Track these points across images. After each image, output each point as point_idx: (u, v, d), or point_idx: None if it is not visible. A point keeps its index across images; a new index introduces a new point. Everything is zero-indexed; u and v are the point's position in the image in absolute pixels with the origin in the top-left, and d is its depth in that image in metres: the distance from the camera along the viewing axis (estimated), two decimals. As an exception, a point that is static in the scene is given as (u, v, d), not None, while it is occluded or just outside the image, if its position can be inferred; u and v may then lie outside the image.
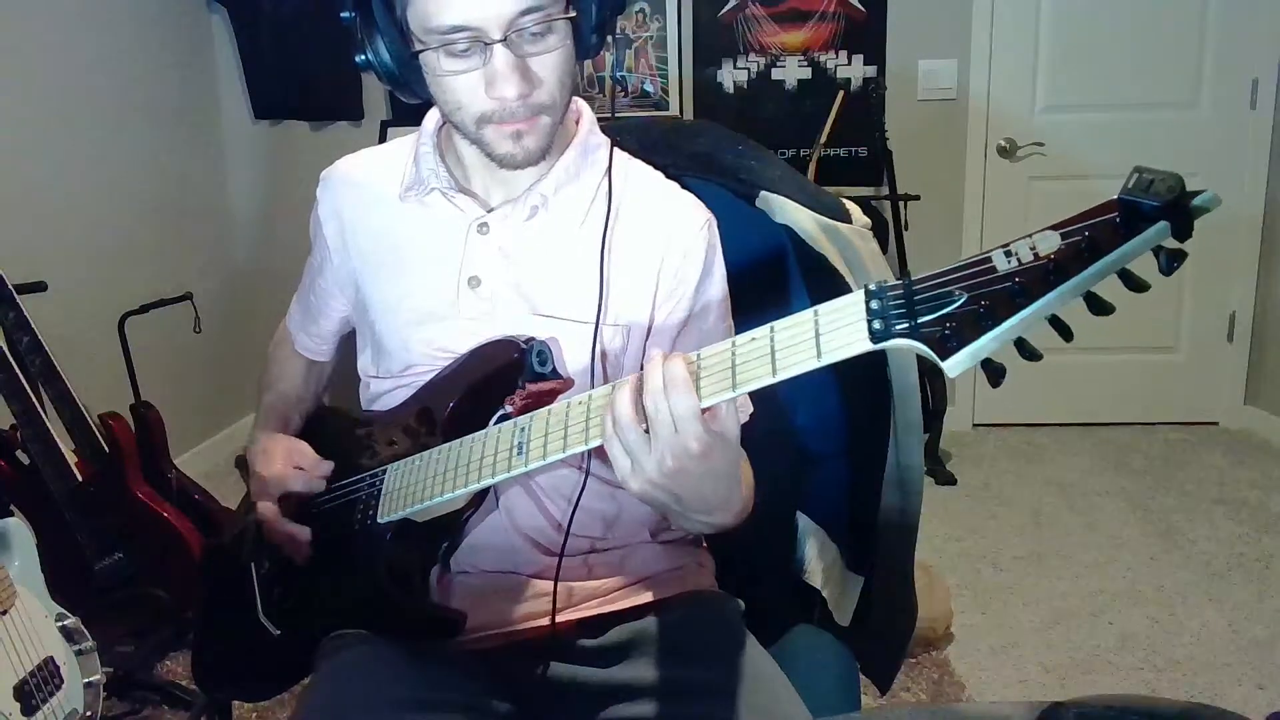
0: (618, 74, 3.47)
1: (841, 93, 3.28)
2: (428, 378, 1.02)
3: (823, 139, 3.19)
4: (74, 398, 2.04)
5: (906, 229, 3.26)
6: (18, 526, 1.52)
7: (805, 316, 0.69)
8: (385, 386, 1.07)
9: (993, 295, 0.61)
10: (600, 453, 0.79)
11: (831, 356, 0.67)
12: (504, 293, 1.00)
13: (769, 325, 0.71)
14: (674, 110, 3.49)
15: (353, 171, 1.09)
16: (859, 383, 1.19)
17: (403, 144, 1.08)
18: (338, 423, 1.14)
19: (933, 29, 3.41)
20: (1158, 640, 2.23)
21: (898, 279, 0.66)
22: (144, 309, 2.70)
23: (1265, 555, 2.61)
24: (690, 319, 1.02)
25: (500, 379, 0.95)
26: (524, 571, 1.04)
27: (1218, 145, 3.36)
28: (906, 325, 0.63)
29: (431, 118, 1.05)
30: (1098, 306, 0.61)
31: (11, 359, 1.91)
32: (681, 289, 1.01)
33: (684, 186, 1.07)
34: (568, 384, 0.95)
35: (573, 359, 0.99)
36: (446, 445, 0.93)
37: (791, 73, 3.47)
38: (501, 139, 0.93)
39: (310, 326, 1.20)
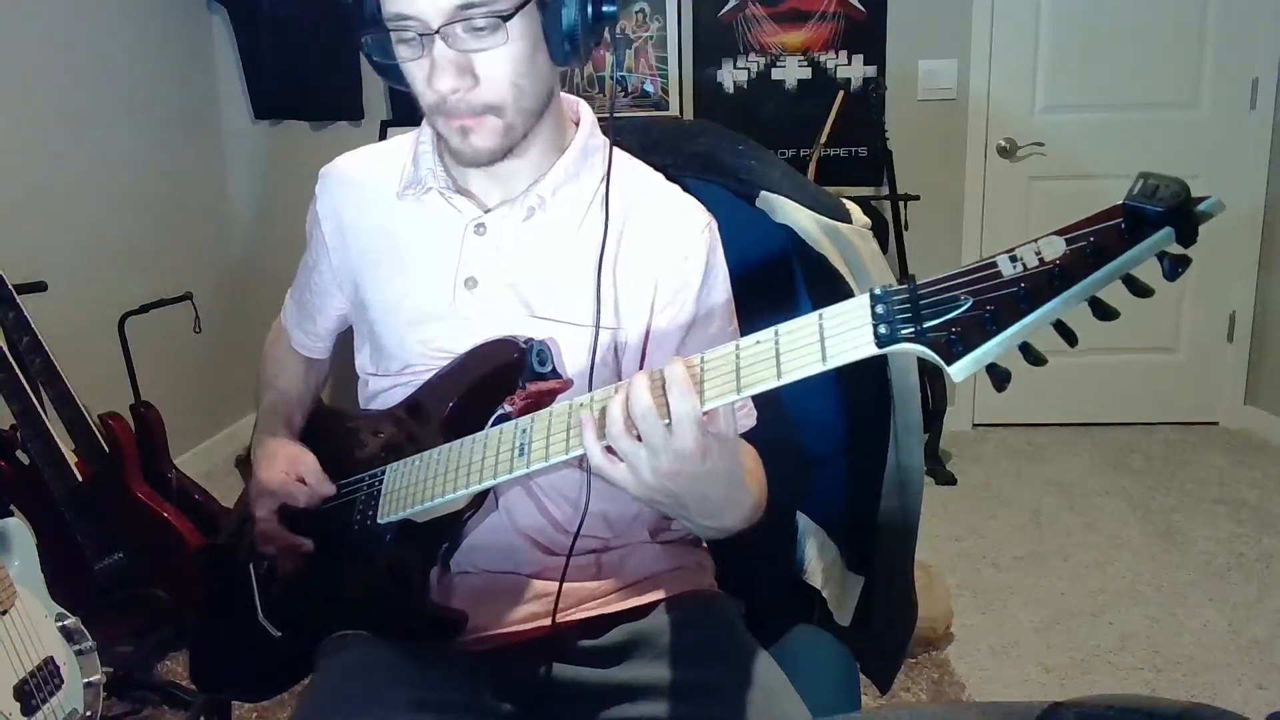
0: (618, 74, 3.47)
1: (841, 93, 3.28)
2: (426, 377, 1.02)
3: (823, 139, 3.19)
4: (74, 398, 2.04)
5: (906, 229, 3.26)
6: (18, 526, 1.52)
7: (810, 320, 0.69)
8: (384, 385, 1.07)
9: (998, 300, 0.61)
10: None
11: (837, 360, 0.67)
12: (501, 294, 1.00)
13: (773, 329, 0.71)
14: (674, 110, 3.49)
15: (351, 169, 1.09)
16: (859, 383, 1.19)
17: (402, 142, 1.07)
18: (337, 423, 1.14)
19: (933, 29, 3.41)
20: (1158, 640, 2.23)
21: (898, 279, 0.66)
22: (144, 309, 2.70)
23: (1265, 555, 2.61)
24: (695, 323, 1.01)
25: (500, 379, 0.95)
26: (524, 572, 1.04)
27: (1218, 145, 3.36)
28: (912, 330, 0.63)
29: None
30: (1102, 312, 0.61)
31: (11, 359, 1.91)
32: (684, 293, 1.00)
33: (684, 187, 1.06)
34: (567, 384, 0.95)
35: (570, 362, 0.99)
36: (447, 445, 0.93)
37: (791, 73, 3.47)
38: (451, 133, 0.93)
39: (306, 324, 1.19)
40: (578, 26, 0.90)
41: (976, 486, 3.14)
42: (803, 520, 1.28)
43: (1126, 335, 3.49)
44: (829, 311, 0.68)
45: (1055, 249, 0.61)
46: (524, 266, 1.00)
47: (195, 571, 1.91)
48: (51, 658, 1.48)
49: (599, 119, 1.07)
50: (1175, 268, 0.60)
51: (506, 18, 0.87)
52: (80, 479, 1.99)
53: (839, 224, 1.14)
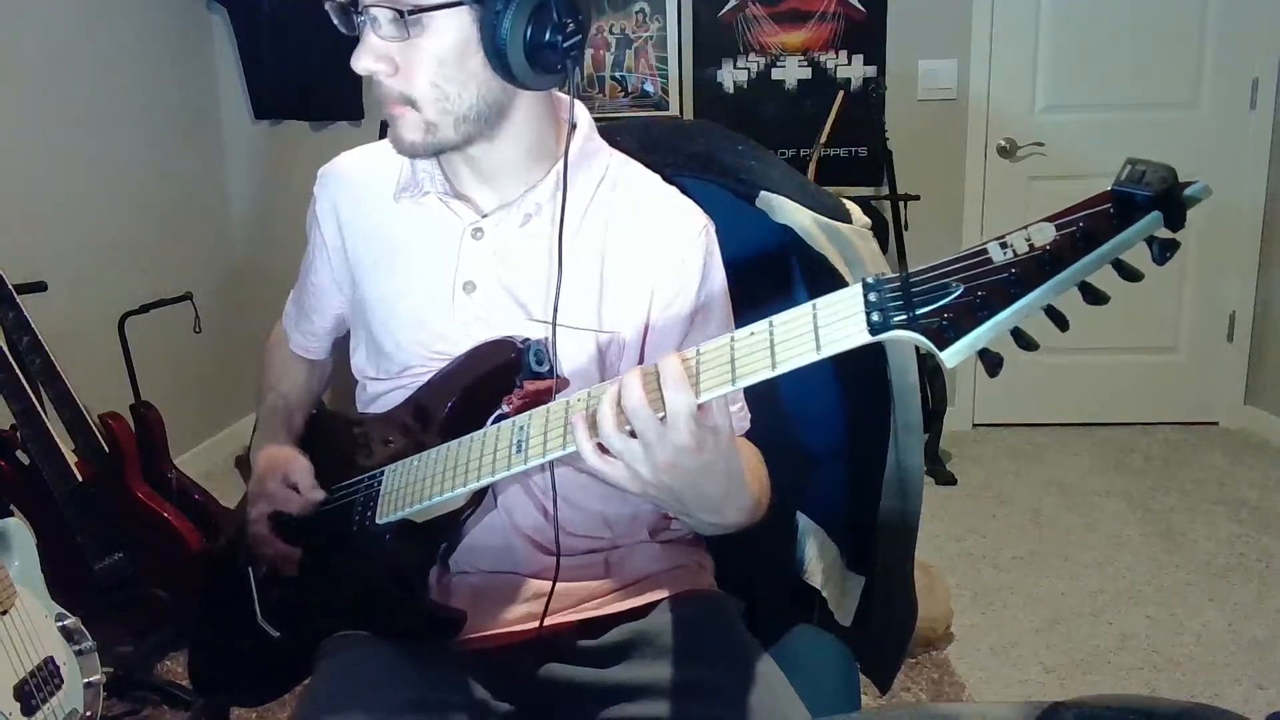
0: (617, 74, 3.47)
1: (841, 93, 3.28)
2: (424, 379, 1.02)
3: (823, 139, 3.19)
4: (74, 398, 2.04)
5: (906, 229, 3.26)
6: (18, 526, 1.52)
7: (804, 310, 0.69)
8: (382, 388, 1.07)
9: (989, 286, 0.62)
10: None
11: (831, 349, 0.67)
12: (498, 298, 1.00)
13: (767, 320, 0.71)
14: (674, 110, 3.49)
15: (350, 169, 1.09)
16: (859, 383, 1.19)
17: None
18: (337, 426, 1.14)
19: (933, 29, 3.41)
20: (1158, 640, 2.23)
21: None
22: (144, 309, 2.70)
23: (1265, 555, 2.61)
24: (693, 325, 1.01)
25: (498, 378, 0.95)
26: (523, 571, 1.04)
27: (1218, 145, 3.36)
28: (904, 317, 0.64)
29: None
30: (1093, 296, 0.62)
31: (11, 359, 1.91)
32: (681, 296, 1.00)
33: (683, 187, 1.06)
34: (564, 383, 0.95)
35: (568, 365, 0.99)
36: (445, 445, 0.93)
37: (791, 73, 3.47)
38: (388, 119, 0.94)
39: (304, 325, 1.19)
40: (506, 44, 0.87)
41: (976, 486, 3.14)
42: (803, 520, 1.28)
43: (1126, 335, 3.50)
44: (822, 301, 0.69)
45: (1045, 235, 0.62)
46: (521, 271, 1.00)
47: (195, 576, 1.91)
48: (51, 658, 1.48)
49: (598, 119, 1.07)
50: (1164, 252, 0.60)
51: (406, 12, 0.87)
52: (80, 479, 1.99)
53: (839, 224, 1.14)
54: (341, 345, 1.20)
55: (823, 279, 1.13)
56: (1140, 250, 0.61)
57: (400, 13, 0.87)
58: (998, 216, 3.50)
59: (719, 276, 1.04)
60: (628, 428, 0.75)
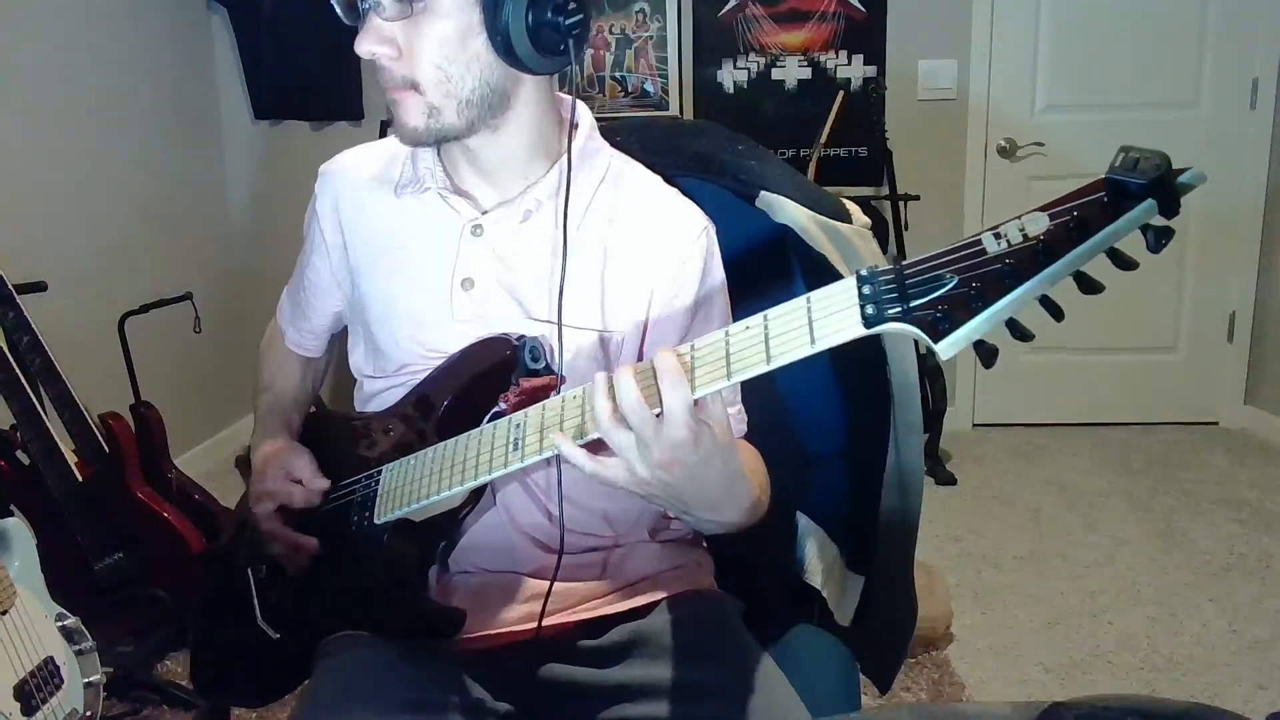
0: (617, 74, 3.47)
1: (841, 93, 3.28)
2: (421, 377, 1.02)
3: (823, 139, 3.19)
4: (74, 398, 2.04)
5: (906, 229, 3.26)
6: (18, 526, 1.52)
7: (798, 304, 0.69)
8: (379, 386, 1.07)
9: (983, 277, 0.62)
10: (592, 446, 0.79)
11: (825, 342, 0.67)
12: (497, 296, 1.00)
13: (762, 314, 0.71)
14: (674, 110, 3.49)
15: (351, 166, 1.09)
16: (859, 383, 1.19)
17: None
18: (333, 424, 1.14)
19: (933, 29, 3.41)
20: (1158, 640, 2.23)
21: None
22: (144, 309, 2.69)
23: (1265, 555, 2.61)
24: (691, 326, 1.01)
25: (494, 376, 0.95)
26: (523, 570, 1.04)
27: (1218, 145, 3.36)
28: (899, 309, 0.64)
29: None
30: (1088, 286, 0.62)
31: (11, 359, 1.91)
32: (680, 298, 1.00)
33: (684, 188, 1.06)
34: (560, 380, 0.95)
35: (566, 363, 0.99)
36: (442, 444, 0.93)
37: (791, 73, 3.47)
38: (391, 106, 0.94)
39: (301, 322, 1.19)
40: (510, 24, 0.88)
41: (976, 486, 3.14)
42: (803, 520, 1.28)
43: (1126, 335, 3.50)
44: (817, 294, 0.69)
45: (1039, 225, 0.62)
46: (520, 269, 1.00)
47: (195, 576, 1.91)
48: (51, 658, 1.48)
49: (599, 118, 1.07)
50: (1159, 240, 0.60)
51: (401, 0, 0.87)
52: (80, 479, 1.99)
53: (839, 224, 1.14)
54: (339, 343, 1.20)
55: (823, 279, 1.11)
56: (1136, 239, 0.61)
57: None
58: (998, 216, 3.42)
59: (719, 277, 1.04)
60: (625, 424, 0.75)
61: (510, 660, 1.00)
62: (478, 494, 0.98)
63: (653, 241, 1.00)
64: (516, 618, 1.02)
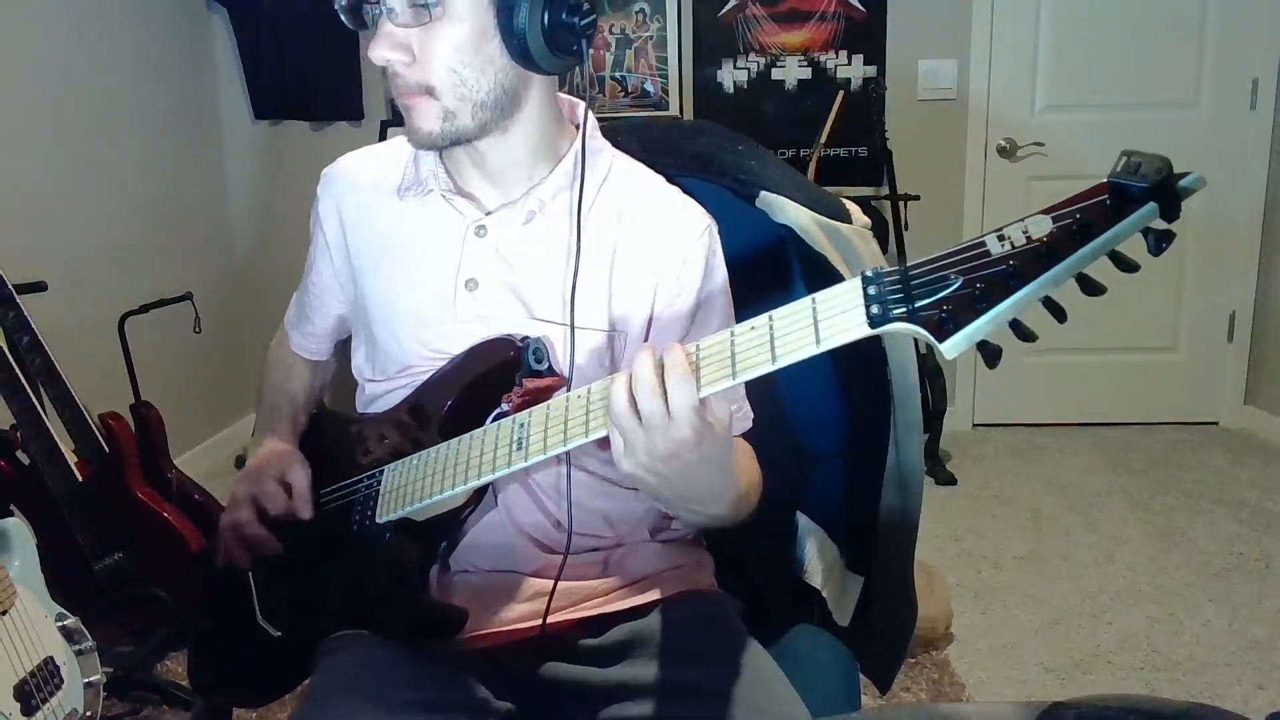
0: (617, 74, 3.47)
1: (841, 93, 3.28)
2: (424, 378, 1.02)
3: (823, 139, 3.19)
4: (74, 398, 2.04)
5: (906, 229, 3.26)
6: (18, 526, 1.51)
7: (803, 304, 0.70)
8: (381, 389, 1.07)
9: (987, 278, 0.62)
10: (598, 447, 0.79)
11: (830, 342, 0.67)
12: (500, 296, 1.00)
13: (767, 314, 0.72)
14: (674, 110, 3.49)
15: (354, 169, 1.09)
16: (859, 382, 1.19)
17: (403, 143, 1.07)
18: (335, 424, 1.14)
19: (933, 29, 3.41)
20: (1158, 640, 2.23)
21: None
22: (144, 309, 2.69)
23: (1265, 555, 2.61)
24: (694, 325, 1.02)
25: (497, 377, 0.95)
26: (524, 570, 1.04)
27: (1218, 145, 3.36)
28: (904, 309, 0.64)
29: None
30: (1090, 287, 0.63)
31: (11, 359, 1.91)
32: (682, 297, 1.01)
33: (684, 187, 1.07)
34: (563, 381, 0.95)
35: (568, 363, 0.99)
36: (445, 443, 0.93)
37: (791, 73, 3.47)
38: (404, 111, 0.94)
39: (305, 325, 1.19)
40: (526, 26, 0.88)
41: (976, 486, 3.14)
42: (803, 520, 1.28)
43: (1126, 335, 3.50)
44: (822, 295, 0.69)
45: (1042, 227, 0.62)
46: (524, 269, 1.00)
47: (195, 576, 1.91)
48: (51, 658, 1.48)
49: (599, 119, 1.07)
50: (1160, 243, 0.61)
51: (423, 5, 0.87)
52: (80, 479, 1.99)
53: (839, 224, 1.15)
54: (344, 347, 1.20)
55: (823, 279, 1.12)
56: (1137, 242, 0.61)
57: (423, 3, 0.87)
58: (998, 217, 3.48)
59: (721, 276, 1.04)
60: (638, 412, 0.75)
61: (511, 659, 1.00)
62: (479, 494, 0.98)
63: (656, 240, 1.01)
64: (518, 617, 1.02)
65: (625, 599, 1.04)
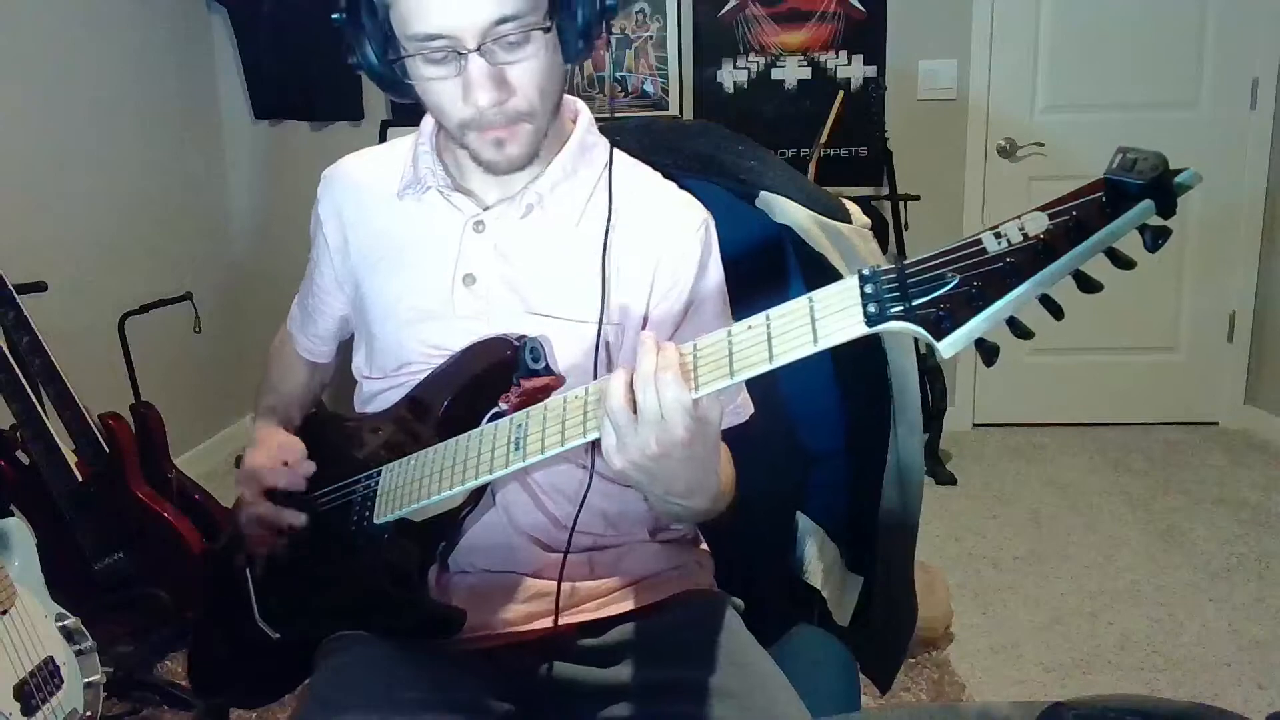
0: (617, 74, 3.47)
1: (841, 93, 3.28)
2: (422, 377, 1.02)
3: (823, 139, 3.19)
4: (74, 398, 2.04)
5: (906, 229, 3.26)
6: (18, 526, 1.52)
7: (800, 303, 0.70)
8: (380, 386, 1.07)
9: (984, 276, 0.63)
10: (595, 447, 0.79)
11: (828, 341, 0.67)
12: (498, 291, 1.00)
13: (764, 313, 0.72)
14: (674, 110, 3.49)
15: (353, 170, 1.10)
16: (859, 382, 1.19)
17: (403, 144, 1.08)
18: (333, 425, 1.14)
19: (933, 29, 3.41)
20: (1158, 640, 2.23)
21: None
22: (144, 309, 2.70)
23: (1265, 555, 2.61)
24: (687, 319, 1.02)
25: (494, 376, 0.95)
26: (523, 570, 1.04)
27: (1218, 145, 3.36)
28: (901, 308, 0.64)
29: (430, 118, 1.05)
30: (1087, 285, 0.63)
31: (11, 359, 1.91)
32: (676, 290, 1.01)
33: (684, 186, 1.07)
34: (561, 380, 0.95)
35: (565, 357, 0.99)
36: (442, 444, 0.93)
37: (791, 73, 3.47)
38: (484, 145, 0.94)
39: (309, 327, 1.20)
40: (591, 25, 0.93)
41: (976, 486, 3.14)
42: (803, 520, 1.28)
43: (1126, 335, 3.50)
44: (819, 294, 0.69)
45: (1039, 224, 0.62)
46: (522, 263, 1.00)
47: (194, 577, 1.91)
48: (51, 658, 1.48)
49: (599, 118, 1.07)
50: (1156, 239, 0.61)
51: (547, 30, 0.89)
52: (80, 479, 1.99)
53: (839, 224, 1.15)
54: (345, 348, 1.20)
55: (822, 279, 1.11)
56: (1135, 239, 0.62)
57: (544, 30, 0.89)
58: (998, 217, 3.40)
59: (716, 272, 1.04)
60: (634, 407, 0.75)
61: (511, 660, 1.00)
62: (478, 494, 0.98)
63: (652, 235, 1.01)
64: (517, 617, 1.02)
65: (625, 599, 1.04)
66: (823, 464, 1.28)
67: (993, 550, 2.70)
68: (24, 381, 1.92)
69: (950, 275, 0.63)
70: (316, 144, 3.56)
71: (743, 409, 1.06)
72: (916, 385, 1.14)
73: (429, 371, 1.02)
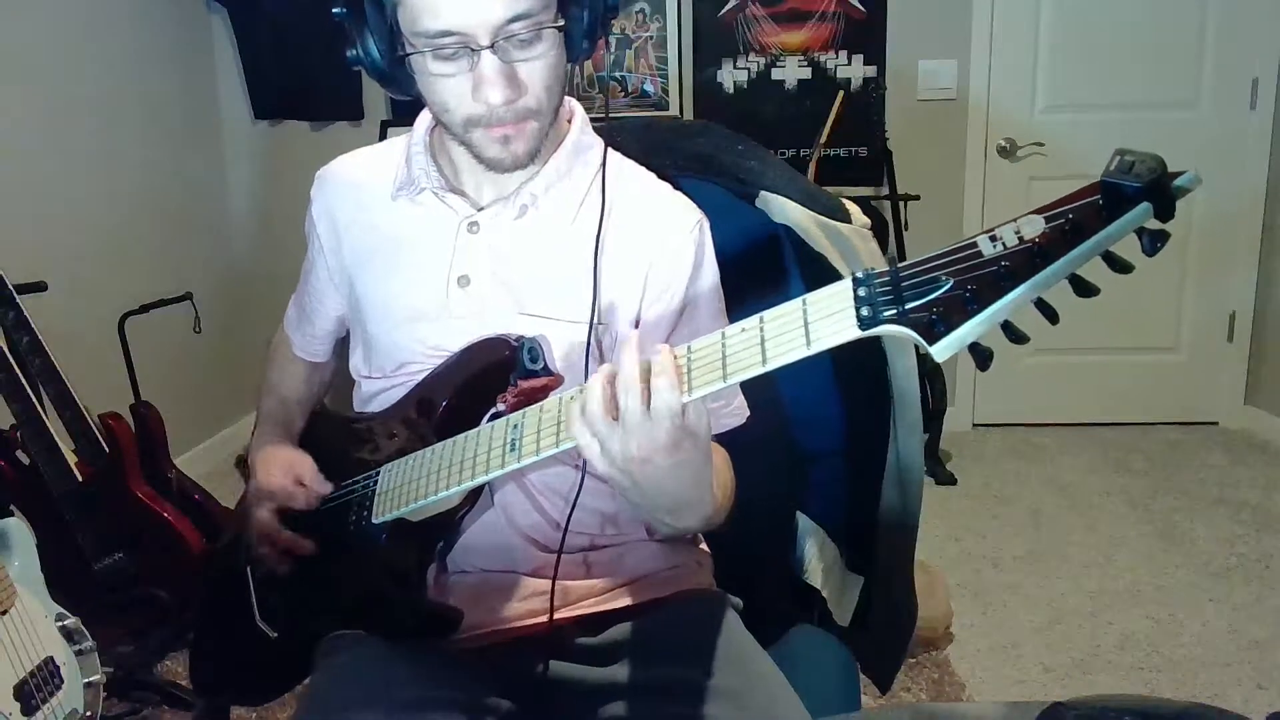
0: (617, 74, 3.47)
1: (841, 93, 3.28)
2: (419, 377, 1.02)
3: (823, 139, 3.19)
4: (74, 398, 2.04)
5: (906, 229, 3.26)
6: (18, 526, 1.52)
7: (793, 306, 0.70)
8: (378, 386, 1.08)
9: (979, 279, 0.62)
10: None
11: (821, 344, 0.67)
12: (493, 291, 1.00)
13: (758, 316, 0.71)
14: (674, 110, 3.49)
15: (347, 171, 1.10)
16: (859, 383, 1.19)
17: (396, 144, 1.08)
18: (331, 425, 1.15)
19: (933, 29, 3.41)
20: (1158, 640, 2.23)
21: None
22: (144, 309, 2.70)
23: (1265, 555, 2.61)
24: (682, 320, 1.02)
25: (492, 377, 0.95)
26: (521, 570, 1.04)
27: (1218, 145, 3.36)
28: (894, 311, 0.64)
29: (424, 118, 1.05)
30: (1083, 289, 0.62)
31: (11, 359, 1.91)
32: (670, 290, 1.01)
33: (683, 187, 1.07)
34: (558, 381, 0.95)
35: (560, 358, 0.99)
36: (440, 444, 0.93)
37: (791, 73, 3.47)
38: (489, 143, 0.94)
39: (306, 327, 1.20)
40: (596, 25, 0.93)
41: (976, 486, 3.14)
42: (803, 520, 1.28)
43: (1126, 335, 3.50)
44: (812, 297, 0.69)
45: (1035, 227, 0.62)
46: (516, 264, 1.00)
47: (195, 577, 1.91)
48: (51, 658, 1.48)
49: (598, 119, 1.07)
50: (1154, 243, 0.60)
51: (561, 28, 0.89)
52: (80, 479, 1.99)
53: (839, 224, 1.15)
54: (344, 347, 1.20)
55: (822, 279, 1.11)
56: (1132, 242, 0.61)
57: (558, 29, 0.90)
58: (998, 217, 3.45)
59: (711, 273, 1.04)
60: (614, 413, 0.74)
61: (510, 658, 1.00)
62: (475, 494, 0.98)
63: (647, 234, 1.01)
64: (516, 616, 1.02)
65: (624, 598, 1.04)
66: (822, 464, 1.28)
67: (993, 550, 2.70)
68: (24, 381, 1.92)
69: (944, 278, 0.63)
70: (316, 144, 3.56)
71: (740, 411, 1.06)
72: (916, 385, 1.14)
73: (427, 371, 1.02)
